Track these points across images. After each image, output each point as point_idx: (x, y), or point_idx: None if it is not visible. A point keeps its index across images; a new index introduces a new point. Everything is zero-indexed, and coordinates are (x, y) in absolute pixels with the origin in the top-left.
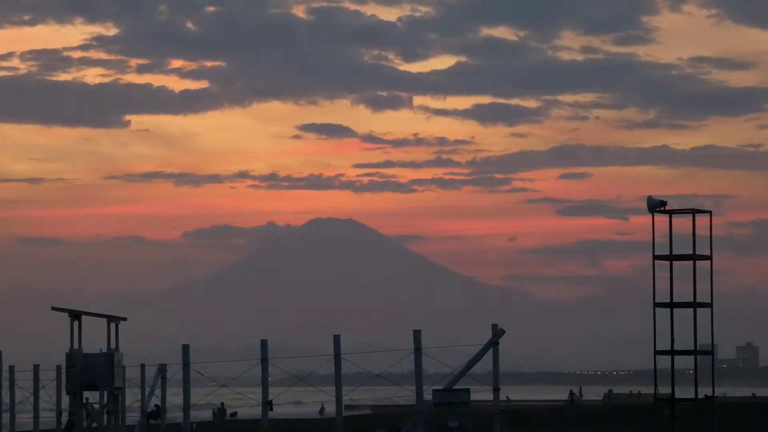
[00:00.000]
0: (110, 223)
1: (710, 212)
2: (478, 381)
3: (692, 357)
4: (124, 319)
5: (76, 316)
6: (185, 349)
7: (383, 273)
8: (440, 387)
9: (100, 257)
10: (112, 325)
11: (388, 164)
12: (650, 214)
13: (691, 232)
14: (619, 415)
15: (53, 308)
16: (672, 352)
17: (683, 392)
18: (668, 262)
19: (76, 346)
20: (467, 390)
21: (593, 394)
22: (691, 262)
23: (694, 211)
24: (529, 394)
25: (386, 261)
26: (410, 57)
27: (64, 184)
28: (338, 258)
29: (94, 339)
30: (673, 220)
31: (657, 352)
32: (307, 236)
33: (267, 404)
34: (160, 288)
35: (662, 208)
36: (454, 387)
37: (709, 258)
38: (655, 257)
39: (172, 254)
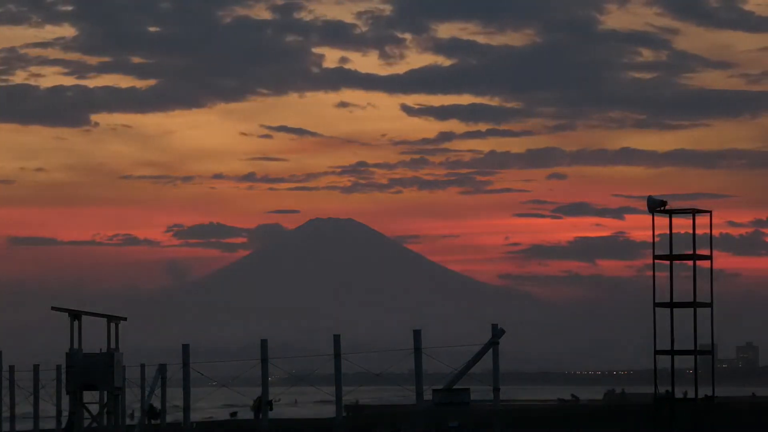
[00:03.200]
0: (99, 223)
1: (710, 212)
2: (479, 381)
3: (692, 357)
4: (124, 318)
5: (76, 316)
6: (185, 349)
7: (383, 273)
8: (440, 387)
9: (96, 257)
10: (112, 325)
11: (362, 164)
12: (650, 214)
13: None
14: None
15: (53, 308)
16: (672, 352)
17: (682, 392)
18: (667, 262)
19: (76, 346)
20: (467, 390)
21: (594, 393)
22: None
23: (694, 211)
24: (528, 394)
25: (386, 261)
26: (381, 56)
27: (41, 183)
28: (339, 258)
29: (94, 339)
30: (652, 219)
31: (657, 352)
32: (308, 236)
33: (267, 404)
34: (159, 288)
35: (662, 208)
36: (454, 387)
37: (709, 258)
38: (655, 257)
39: (168, 254)
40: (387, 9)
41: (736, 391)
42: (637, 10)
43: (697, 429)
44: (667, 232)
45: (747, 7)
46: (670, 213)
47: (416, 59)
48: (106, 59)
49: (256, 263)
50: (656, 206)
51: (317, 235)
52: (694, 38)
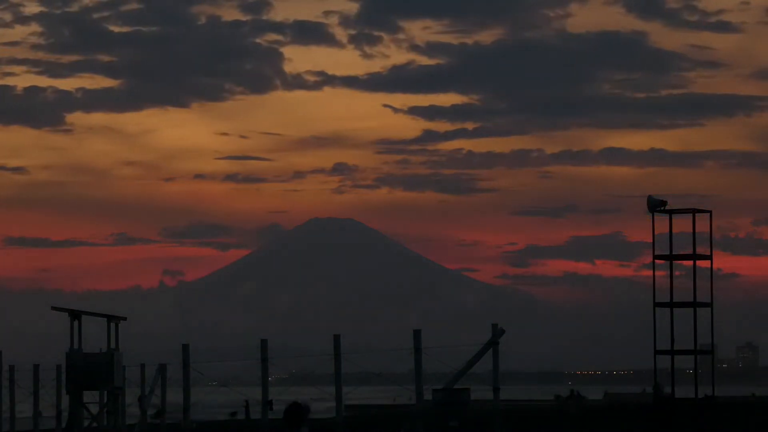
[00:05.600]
0: (90, 223)
1: (710, 212)
2: (479, 381)
3: (692, 356)
4: (124, 318)
5: (76, 316)
6: (185, 349)
7: (382, 272)
8: (440, 387)
9: (94, 256)
10: (112, 325)
11: (349, 164)
12: (649, 214)
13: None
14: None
15: (53, 308)
16: (672, 352)
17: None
18: (663, 261)
19: (76, 346)
20: (467, 390)
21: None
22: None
23: (694, 211)
24: (528, 394)
25: (385, 260)
26: (361, 55)
27: (23, 183)
28: (339, 257)
29: (94, 339)
30: (652, 219)
31: (657, 352)
32: (307, 236)
33: (267, 404)
34: (159, 287)
35: (662, 208)
36: (454, 387)
37: (709, 258)
38: (655, 257)
39: (165, 253)
40: (354, 8)
41: (736, 391)
42: (600, 9)
43: (697, 429)
44: (661, 232)
45: (709, 8)
46: (670, 213)
47: (396, 58)
48: (79, 58)
49: (255, 263)
50: (656, 206)
51: (316, 234)
52: (665, 38)
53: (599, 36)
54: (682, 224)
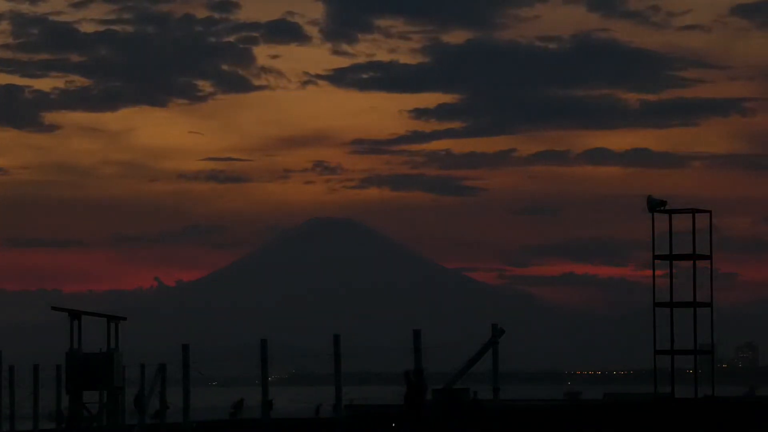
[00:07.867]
0: (83, 223)
1: (710, 212)
2: (479, 381)
3: (692, 356)
4: (124, 318)
5: (75, 316)
6: (185, 349)
7: (382, 272)
8: (440, 387)
9: (91, 256)
10: (112, 325)
11: (338, 164)
12: (649, 214)
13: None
14: None
15: (53, 308)
16: (672, 352)
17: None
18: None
19: (75, 346)
20: (467, 390)
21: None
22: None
23: (694, 211)
24: (528, 394)
25: (385, 260)
26: (340, 53)
27: (7, 184)
28: (338, 257)
29: (94, 339)
30: (652, 219)
31: (657, 352)
32: (306, 236)
33: (267, 404)
34: (158, 287)
35: (662, 208)
36: (454, 387)
37: (709, 258)
38: (655, 257)
39: (164, 253)
40: (331, 6)
41: (736, 391)
42: (563, 9)
43: (696, 428)
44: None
45: (675, 9)
46: (670, 213)
47: (380, 56)
48: (49, 58)
49: (254, 262)
50: (656, 206)
51: (316, 234)
52: (639, 37)
53: (575, 37)
54: (680, 224)
